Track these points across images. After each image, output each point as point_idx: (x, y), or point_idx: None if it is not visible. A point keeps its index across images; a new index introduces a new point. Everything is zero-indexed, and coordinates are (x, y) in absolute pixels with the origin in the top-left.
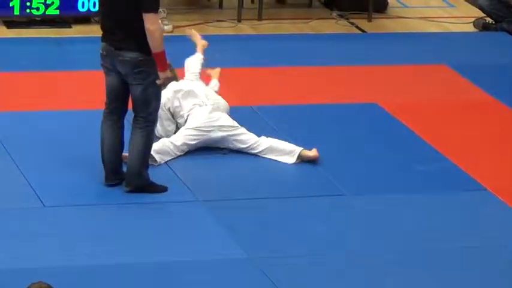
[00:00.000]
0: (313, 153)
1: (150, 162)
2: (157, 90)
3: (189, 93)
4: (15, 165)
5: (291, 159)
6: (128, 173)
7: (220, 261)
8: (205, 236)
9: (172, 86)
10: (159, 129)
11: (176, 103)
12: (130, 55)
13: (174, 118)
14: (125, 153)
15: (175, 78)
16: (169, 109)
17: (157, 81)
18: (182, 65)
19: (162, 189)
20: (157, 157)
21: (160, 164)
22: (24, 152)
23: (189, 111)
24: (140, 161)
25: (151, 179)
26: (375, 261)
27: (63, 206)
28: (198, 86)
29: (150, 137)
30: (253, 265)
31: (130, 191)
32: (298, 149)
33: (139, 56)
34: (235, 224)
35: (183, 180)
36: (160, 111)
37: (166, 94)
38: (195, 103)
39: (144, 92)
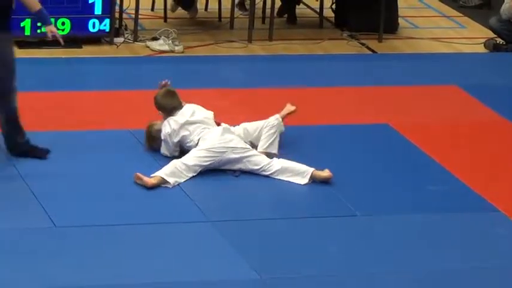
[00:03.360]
0: (325, 173)
1: (164, 185)
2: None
3: (198, 122)
4: (26, 185)
5: (303, 180)
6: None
7: (231, 282)
8: (216, 257)
9: (178, 117)
10: (165, 151)
11: (184, 132)
12: None
13: (181, 146)
14: None
15: (180, 105)
16: (177, 142)
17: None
18: (191, 86)
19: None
20: (171, 180)
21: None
22: (34, 172)
23: (199, 135)
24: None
25: (162, 198)
26: (388, 282)
27: (74, 227)
28: (207, 114)
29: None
30: (264, 286)
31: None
32: (310, 170)
33: None
34: (246, 245)
35: (194, 200)
36: (168, 139)
37: (172, 125)
38: (204, 127)
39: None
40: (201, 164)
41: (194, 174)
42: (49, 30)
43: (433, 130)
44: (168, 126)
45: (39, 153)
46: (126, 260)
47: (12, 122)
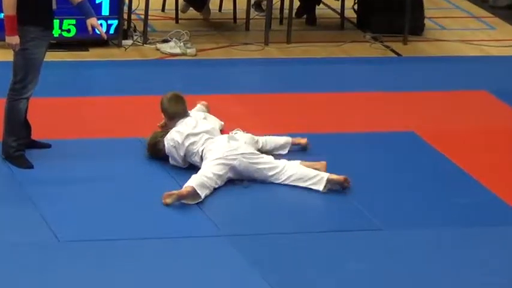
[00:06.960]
0: (341, 176)
1: (191, 201)
2: (24, 61)
3: (201, 132)
4: (29, 198)
5: (319, 186)
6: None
7: None
8: (230, 272)
9: (181, 127)
10: (174, 163)
11: (188, 143)
12: None
13: (186, 158)
14: None
15: (184, 113)
16: (183, 155)
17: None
18: (204, 91)
19: (27, 165)
20: (202, 193)
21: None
22: (38, 185)
23: (202, 145)
24: (4, 129)
25: (173, 211)
26: None
27: (78, 241)
28: (213, 124)
29: (10, 106)
30: None
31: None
32: (325, 175)
33: None
34: (261, 260)
35: (207, 214)
36: (173, 153)
37: (176, 137)
38: (208, 137)
39: (14, 60)
40: (218, 173)
41: (216, 187)
42: (89, 23)
43: (461, 138)
44: (171, 140)
45: (20, 163)
46: (135, 276)
47: (7, 121)
